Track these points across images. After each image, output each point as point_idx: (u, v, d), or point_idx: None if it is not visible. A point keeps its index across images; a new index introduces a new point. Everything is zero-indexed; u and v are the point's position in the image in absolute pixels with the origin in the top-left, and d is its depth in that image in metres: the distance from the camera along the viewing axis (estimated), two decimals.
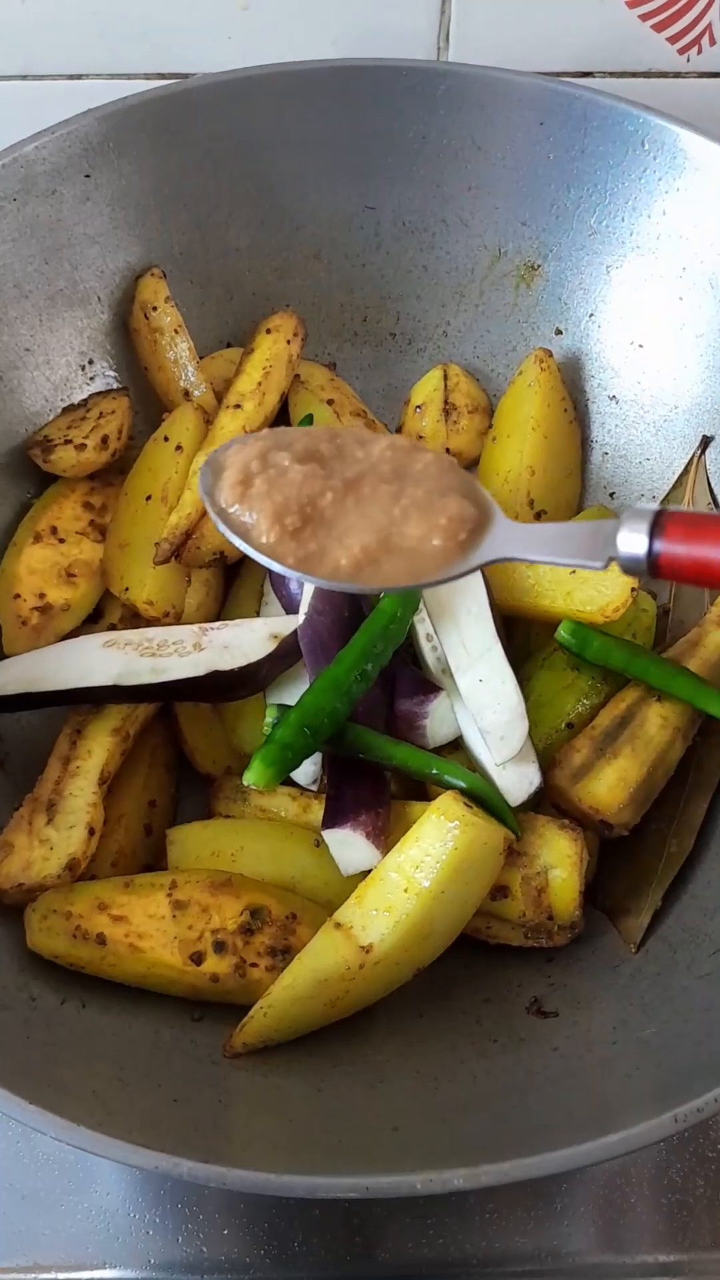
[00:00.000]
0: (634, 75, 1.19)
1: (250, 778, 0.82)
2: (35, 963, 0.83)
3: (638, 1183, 0.89)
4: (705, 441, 1.06)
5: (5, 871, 0.85)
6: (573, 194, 1.08)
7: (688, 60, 1.18)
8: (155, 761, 0.97)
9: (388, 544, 0.72)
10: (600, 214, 1.08)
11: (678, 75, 1.19)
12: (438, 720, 0.92)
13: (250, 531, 0.74)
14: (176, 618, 0.97)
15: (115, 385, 1.09)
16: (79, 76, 1.18)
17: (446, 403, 1.12)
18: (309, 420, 1.06)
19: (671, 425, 1.08)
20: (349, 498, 0.72)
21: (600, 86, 1.12)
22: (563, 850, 0.85)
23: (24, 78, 1.18)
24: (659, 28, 1.15)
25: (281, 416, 1.08)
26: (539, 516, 1.08)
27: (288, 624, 0.93)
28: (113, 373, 1.10)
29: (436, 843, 0.80)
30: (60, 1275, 0.86)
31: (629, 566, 0.66)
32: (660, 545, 0.64)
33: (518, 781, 0.88)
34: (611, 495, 1.12)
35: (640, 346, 1.10)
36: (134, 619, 0.99)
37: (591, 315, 1.12)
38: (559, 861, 0.85)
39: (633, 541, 0.65)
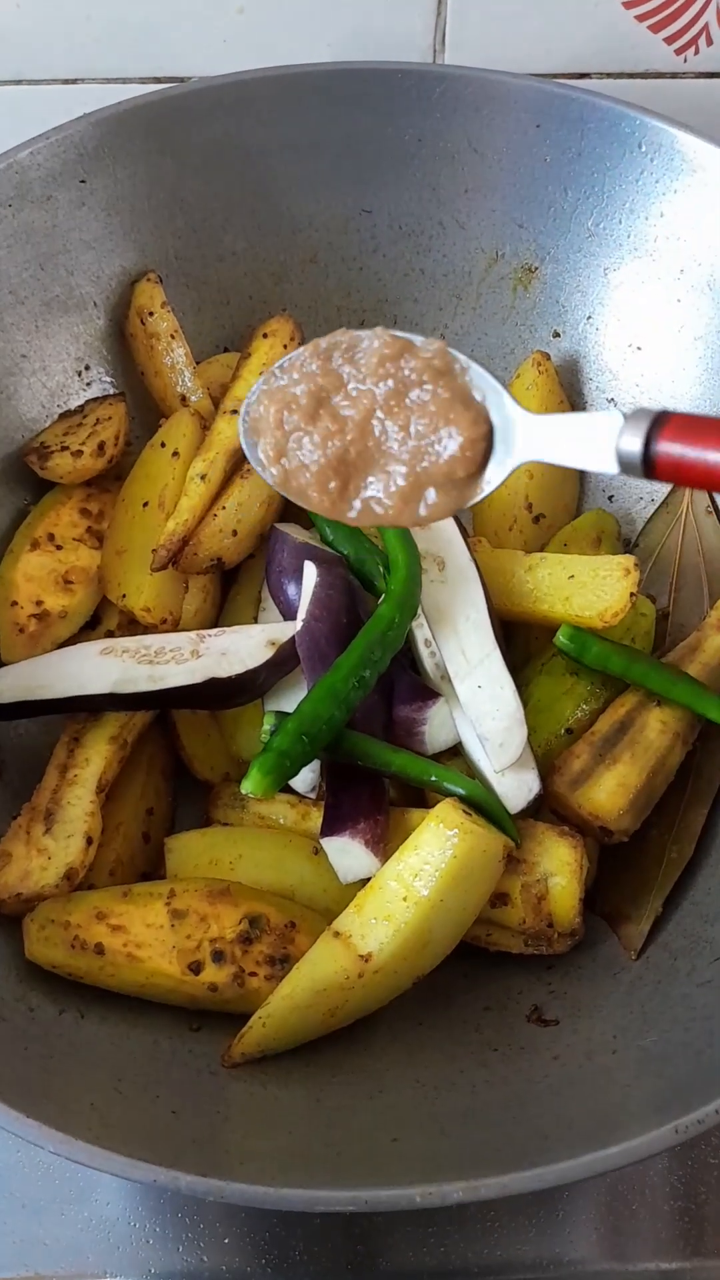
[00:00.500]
0: (631, 76, 1.18)
1: (248, 786, 0.82)
2: (33, 973, 0.82)
3: (640, 1190, 0.89)
4: None
5: (3, 881, 0.84)
6: (570, 196, 1.08)
7: (685, 61, 1.17)
8: (153, 769, 0.97)
9: (421, 480, 0.73)
10: (598, 216, 1.07)
11: (675, 76, 1.18)
12: (436, 727, 0.92)
13: (309, 498, 0.76)
14: (174, 624, 0.97)
15: (112, 391, 1.09)
16: (74, 81, 1.18)
17: None
18: None
19: None
20: (368, 441, 0.73)
21: (597, 88, 1.12)
22: (563, 857, 0.85)
23: (18, 82, 1.18)
24: (656, 28, 1.15)
25: None
26: (537, 520, 1.07)
27: (285, 631, 0.92)
28: (109, 378, 1.09)
29: (436, 851, 0.80)
30: None
31: (628, 466, 0.65)
32: (657, 445, 0.64)
33: (517, 788, 0.88)
34: (610, 498, 1.12)
35: (638, 349, 1.09)
36: (131, 626, 0.99)
37: (589, 318, 1.11)
38: (559, 869, 0.85)
39: (631, 440, 0.65)
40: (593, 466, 0.68)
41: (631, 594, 0.91)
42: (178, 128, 1.05)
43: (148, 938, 0.82)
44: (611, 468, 0.67)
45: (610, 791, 0.87)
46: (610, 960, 0.87)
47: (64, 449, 1.00)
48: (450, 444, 0.72)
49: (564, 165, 1.06)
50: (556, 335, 1.13)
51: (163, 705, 0.94)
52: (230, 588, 1.04)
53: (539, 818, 0.89)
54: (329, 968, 0.79)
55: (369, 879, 0.84)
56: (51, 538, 1.00)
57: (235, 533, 0.98)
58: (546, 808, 0.90)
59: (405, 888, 0.80)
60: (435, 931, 0.80)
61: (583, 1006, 0.84)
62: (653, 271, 1.06)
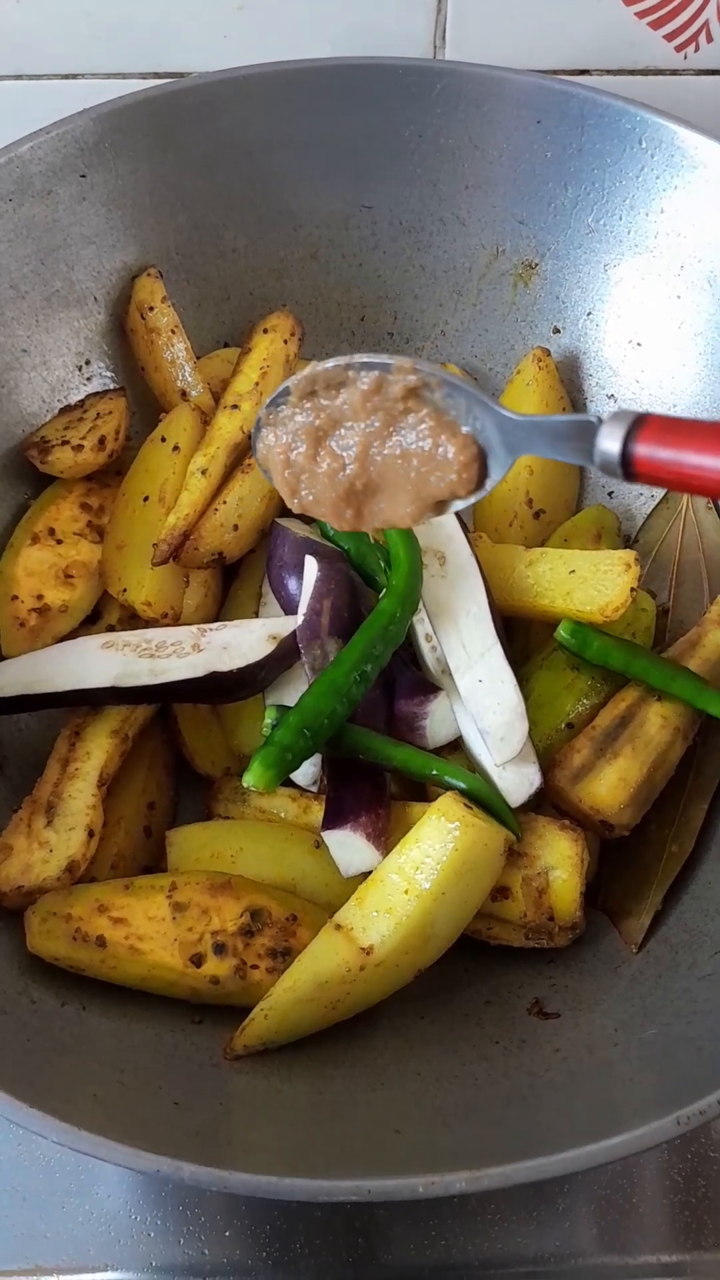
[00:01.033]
0: (631, 73, 1.18)
1: (249, 779, 0.82)
2: (35, 966, 0.82)
3: (640, 1184, 0.89)
4: None
5: (5, 874, 0.85)
6: (570, 192, 1.08)
7: (685, 58, 1.18)
8: (154, 763, 0.97)
9: (427, 500, 0.74)
10: (598, 212, 1.08)
11: (675, 73, 1.19)
12: (437, 721, 0.92)
13: (331, 524, 0.77)
14: (175, 619, 0.97)
15: (112, 386, 1.09)
16: (74, 76, 1.18)
17: None
18: None
19: None
20: (370, 472, 0.74)
21: (597, 84, 1.12)
22: (563, 851, 0.85)
23: (19, 77, 1.18)
24: (656, 25, 1.15)
25: None
26: (537, 516, 1.08)
27: (286, 625, 0.93)
28: (110, 373, 1.09)
29: (437, 844, 0.80)
30: (62, 1278, 0.86)
31: (607, 467, 0.66)
32: (634, 447, 0.64)
33: (518, 782, 0.88)
34: (610, 494, 1.12)
35: (638, 345, 1.10)
36: (132, 620, 0.99)
37: (589, 314, 1.11)
38: (560, 862, 0.85)
39: (610, 442, 0.65)
40: (577, 462, 0.69)
41: (632, 589, 0.91)
42: (178, 123, 1.05)
43: (149, 930, 0.82)
44: (586, 463, 0.68)
45: (611, 786, 0.88)
46: (611, 954, 0.87)
47: (64, 443, 1.00)
48: (447, 472, 0.72)
49: (564, 161, 1.06)
50: (557, 331, 1.13)
51: (164, 699, 0.94)
52: (231, 583, 1.04)
53: (540, 812, 0.89)
54: (331, 960, 0.79)
55: (370, 872, 0.84)
56: (52, 532, 1.00)
57: (236, 527, 0.98)
58: (547, 802, 0.90)
59: (407, 881, 0.80)
60: (437, 925, 0.81)
61: (584, 1000, 0.84)
62: (653, 267, 1.07)
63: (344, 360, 0.73)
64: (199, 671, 0.90)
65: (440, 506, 0.75)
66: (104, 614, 1.00)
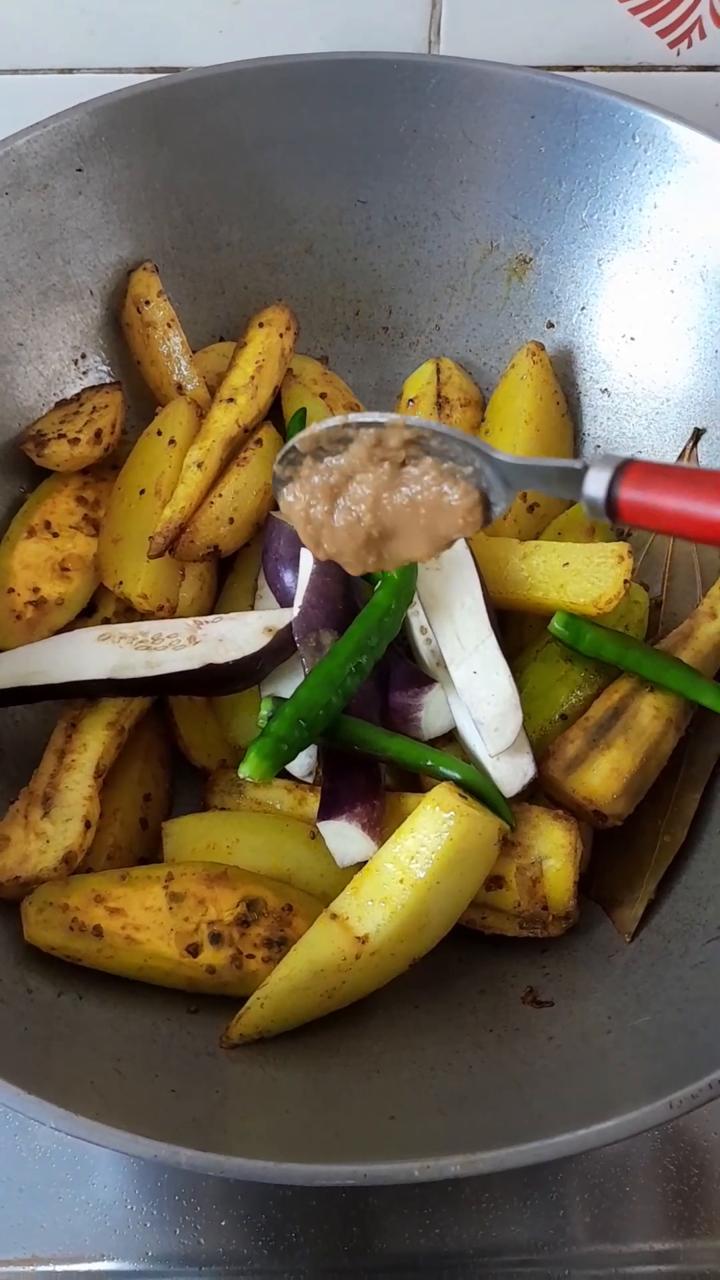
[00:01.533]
0: (625, 69, 1.19)
1: (246, 770, 0.82)
2: (32, 955, 0.83)
3: (633, 1172, 0.90)
4: (696, 434, 1.06)
5: (2, 865, 0.85)
6: (564, 187, 1.08)
7: (678, 54, 1.18)
8: (150, 755, 0.97)
9: (440, 542, 0.76)
10: (591, 207, 1.08)
11: (668, 69, 1.19)
12: (432, 713, 0.92)
13: (353, 568, 0.79)
14: (171, 612, 0.98)
15: (108, 379, 1.09)
16: (70, 71, 1.18)
17: (439, 396, 1.12)
18: (302, 415, 1.06)
19: (663, 418, 1.09)
20: (383, 513, 0.76)
21: (591, 80, 1.12)
22: (557, 841, 0.86)
23: (14, 72, 1.18)
24: (649, 21, 1.15)
25: (274, 410, 1.08)
26: (531, 509, 1.08)
27: (282, 617, 0.93)
28: (105, 367, 1.10)
29: (431, 834, 0.81)
30: (58, 1267, 0.86)
31: (594, 510, 0.67)
32: (619, 491, 0.66)
33: (512, 773, 0.89)
34: None
35: (631, 339, 1.10)
36: (128, 613, 0.99)
37: (583, 308, 1.12)
38: (553, 852, 0.85)
39: (595, 487, 0.67)
40: (570, 498, 0.71)
41: (626, 580, 0.92)
42: (174, 118, 1.06)
43: (146, 920, 0.83)
44: (576, 496, 0.69)
45: (604, 776, 0.88)
46: (604, 943, 0.88)
47: (61, 437, 1.00)
48: (454, 516, 0.75)
49: (558, 156, 1.07)
50: (550, 326, 1.14)
51: (160, 691, 0.94)
52: (227, 576, 1.05)
53: (533, 802, 0.90)
54: (326, 949, 0.80)
55: (366, 862, 0.84)
56: (48, 525, 1.01)
57: (232, 520, 0.98)
58: (541, 792, 0.91)
59: (402, 870, 0.81)
60: (431, 913, 0.81)
61: (577, 989, 0.85)
62: (646, 262, 1.07)
63: (340, 420, 0.75)
64: (195, 664, 0.91)
65: (453, 541, 0.77)
66: (100, 607, 1.00)
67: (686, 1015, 0.77)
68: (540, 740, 0.92)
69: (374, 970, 0.81)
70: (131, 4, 1.14)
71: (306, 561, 0.93)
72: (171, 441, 1.00)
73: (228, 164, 1.09)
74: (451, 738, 0.94)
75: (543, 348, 1.10)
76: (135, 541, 0.97)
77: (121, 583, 0.97)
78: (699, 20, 1.15)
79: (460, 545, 0.96)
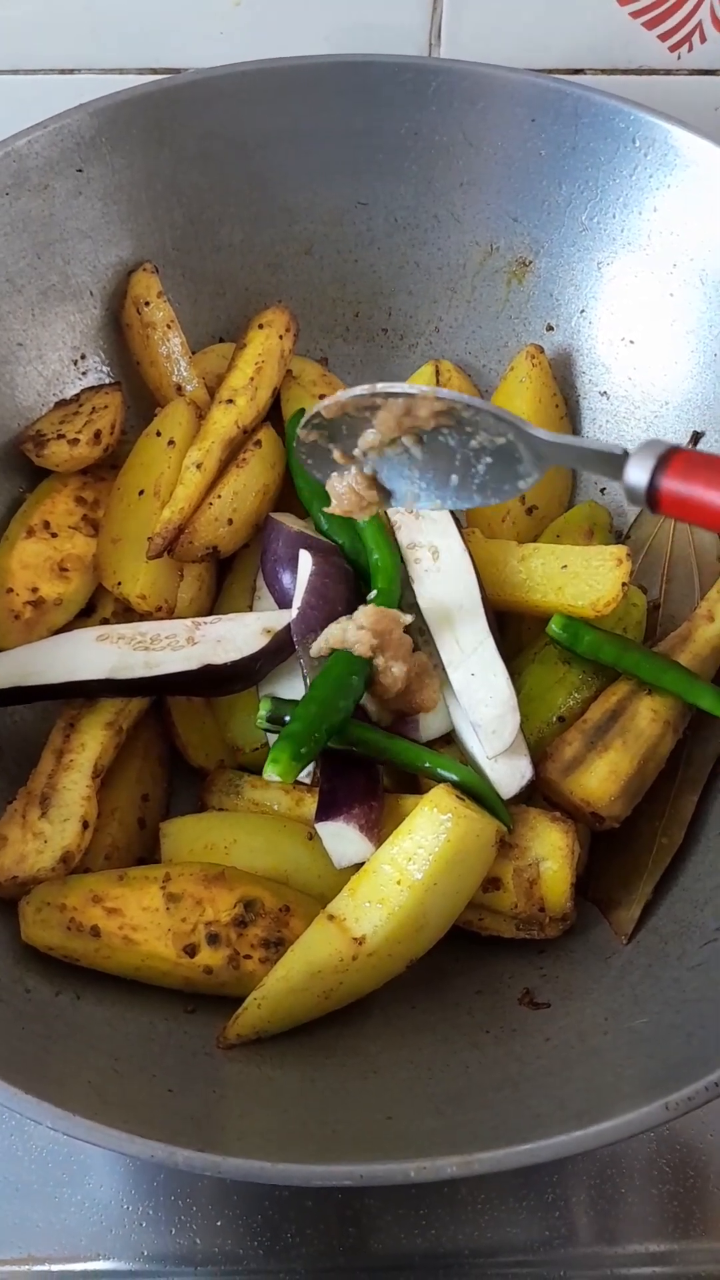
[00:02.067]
0: (625, 72, 1.19)
1: (273, 771, 0.81)
2: (30, 955, 0.83)
3: (628, 1173, 0.90)
4: (695, 437, 1.07)
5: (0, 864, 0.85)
6: (564, 190, 1.08)
7: (679, 58, 1.18)
8: (148, 755, 0.98)
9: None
10: (591, 210, 1.08)
11: (669, 73, 1.19)
12: (430, 715, 0.92)
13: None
14: (169, 612, 0.98)
15: (108, 380, 1.09)
16: (71, 71, 1.18)
17: None
18: (300, 416, 1.06)
19: (662, 421, 1.09)
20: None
21: (591, 83, 1.13)
22: (554, 842, 0.86)
23: (15, 72, 1.18)
24: (650, 25, 1.16)
25: (274, 411, 1.08)
26: (530, 512, 1.08)
27: (280, 618, 0.93)
28: (105, 367, 1.10)
29: (429, 835, 0.81)
30: (54, 1267, 0.86)
31: (634, 496, 0.67)
32: (662, 481, 0.65)
33: (509, 774, 0.89)
34: (603, 491, 1.13)
35: (631, 342, 1.10)
36: (127, 613, 0.99)
37: (583, 311, 1.12)
38: (550, 853, 0.86)
39: (637, 474, 0.66)
40: (605, 478, 0.71)
41: (624, 584, 0.92)
42: (175, 118, 1.06)
43: (143, 920, 0.83)
44: (616, 479, 0.69)
45: (602, 778, 0.88)
46: (601, 945, 0.88)
47: (60, 437, 1.00)
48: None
49: (558, 160, 1.07)
50: (550, 329, 1.14)
51: (158, 691, 0.94)
52: (225, 577, 1.05)
53: (531, 804, 0.90)
54: (323, 950, 0.80)
55: (363, 863, 0.84)
56: (47, 525, 1.01)
57: (231, 521, 0.99)
58: (539, 794, 0.91)
59: (399, 871, 0.81)
60: (428, 915, 0.81)
61: (574, 990, 0.85)
62: (645, 265, 1.07)
63: (368, 389, 0.75)
64: (193, 664, 0.91)
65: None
66: (98, 607, 1.00)
67: (683, 1016, 0.77)
68: (538, 742, 0.92)
69: (371, 971, 0.81)
70: (133, 4, 1.14)
71: (305, 563, 0.93)
72: (171, 442, 1.00)
73: (228, 165, 1.09)
74: (449, 740, 0.94)
75: (542, 350, 1.11)
76: (134, 542, 0.98)
77: (120, 583, 0.97)
78: (700, 24, 1.15)
79: (459, 548, 0.96)
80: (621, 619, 0.98)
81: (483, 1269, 0.86)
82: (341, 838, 0.86)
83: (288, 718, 0.86)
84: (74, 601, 0.99)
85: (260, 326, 1.07)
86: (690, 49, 1.18)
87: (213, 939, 0.83)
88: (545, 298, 1.13)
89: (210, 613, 1.03)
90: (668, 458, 0.65)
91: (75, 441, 1.00)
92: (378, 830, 0.86)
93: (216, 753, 0.98)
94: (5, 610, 0.96)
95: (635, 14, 1.15)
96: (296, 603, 0.93)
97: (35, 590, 0.98)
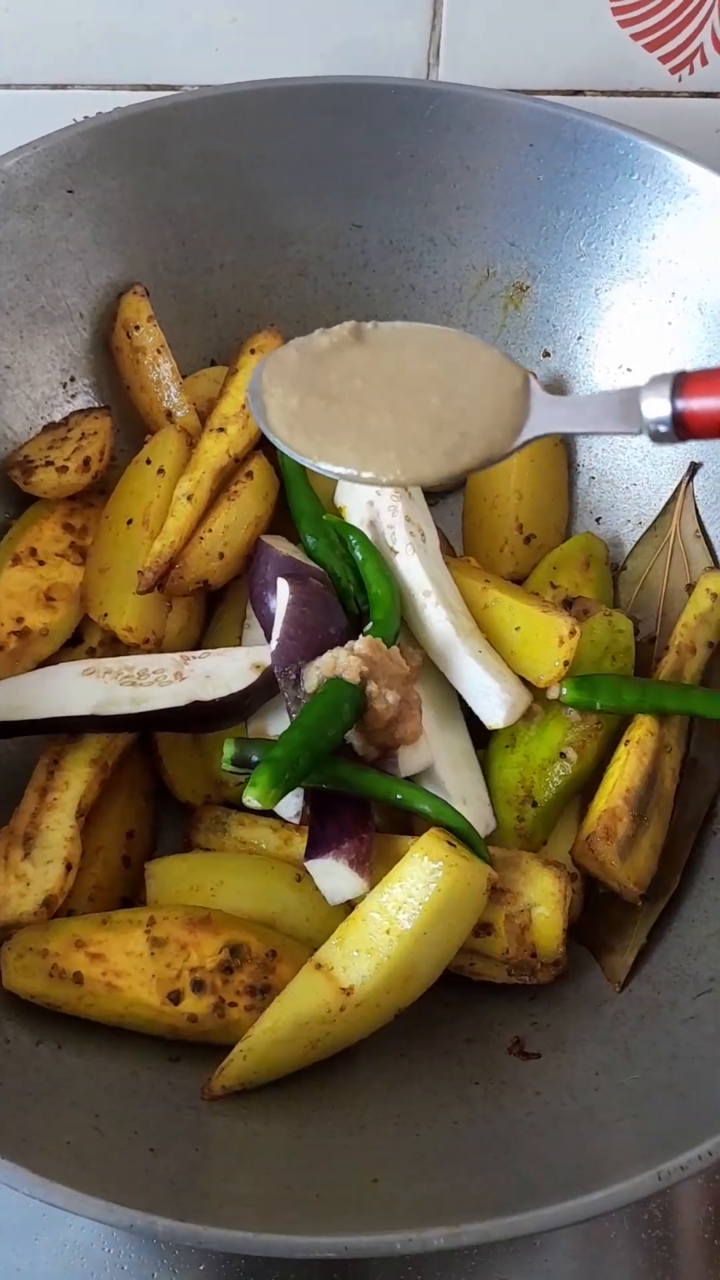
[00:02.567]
0: (625, 94, 1.18)
1: (252, 795, 0.79)
2: (10, 1003, 0.81)
3: (618, 1219, 0.89)
4: (693, 468, 1.05)
5: None
6: (562, 216, 1.07)
7: (679, 80, 1.17)
8: (134, 791, 0.96)
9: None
10: (590, 236, 1.07)
11: (669, 95, 1.18)
12: (409, 751, 0.91)
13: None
14: (157, 644, 0.96)
15: (96, 403, 1.07)
16: (63, 87, 1.17)
17: None
18: None
19: (659, 451, 1.07)
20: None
21: (591, 105, 1.11)
22: (546, 888, 0.84)
23: (7, 87, 1.16)
24: (651, 47, 1.14)
25: (265, 438, 1.06)
26: (528, 541, 1.07)
27: (269, 654, 0.91)
28: (94, 391, 1.08)
29: (419, 883, 0.79)
30: None
31: (659, 433, 0.67)
32: (682, 404, 0.65)
33: (475, 821, 0.88)
34: (598, 520, 1.11)
35: (628, 370, 1.09)
36: (114, 644, 0.97)
37: (580, 338, 1.10)
38: (543, 899, 0.84)
39: (656, 406, 0.66)
40: (623, 433, 0.70)
41: (566, 661, 0.90)
42: (167, 139, 1.04)
43: (127, 966, 0.81)
44: (633, 430, 0.69)
45: (646, 856, 0.88)
46: (593, 992, 0.87)
47: (49, 464, 0.98)
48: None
49: (557, 185, 1.06)
50: (547, 354, 1.12)
51: (145, 728, 0.93)
52: (216, 606, 1.03)
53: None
54: (311, 1000, 0.78)
55: (356, 900, 0.83)
56: (34, 553, 0.99)
57: (222, 555, 0.97)
58: (573, 860, 0.90)
59: (388, 920, 0.79)
60: (418, 964, 0.80)
61: (565, 1040, 0.83)
62: (644, 293, 1.06)
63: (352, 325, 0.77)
64: (181, 701, 0.89)
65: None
66: (85, 637, 0.99)
67: (675, 1074, 0.75)
68: (546, 784, 0.91)
69: (359, 1022, 0.79)
70: (127, 19, 1.12)
71: (283, 591, 0.91)
72: (160, 471, 0.98)
73: (221, 185, 1.07)
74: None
75: (535, 378, 1.08)
76: (122, 572, 0.96)
77: (107, 614, 0.95)
78: (700, 47, 1.14)
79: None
80: (608, 647, 0.96)
81: None
82: (332, 874, 0.85)
83: (254, 757, 0.85)
84: (60, 632, 0.97)
85: (252, 351, 1.05)
86: (691, 71, 1.16)
87: (197, 986, 0.81)
88: (542, 323, 1.12)
89: (199, 644, 1.01)
90: (681, 380, 0.65)
91: (64, 469, 0.98)
92: (369, 865, 0.84)
93: (203, 788, 0.96)
94: None
95: (636, 36, 1.13)
96: (275, 634, 0.91)
97: (20, 620, 0.96)
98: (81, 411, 1.05)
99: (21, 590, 0.97)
